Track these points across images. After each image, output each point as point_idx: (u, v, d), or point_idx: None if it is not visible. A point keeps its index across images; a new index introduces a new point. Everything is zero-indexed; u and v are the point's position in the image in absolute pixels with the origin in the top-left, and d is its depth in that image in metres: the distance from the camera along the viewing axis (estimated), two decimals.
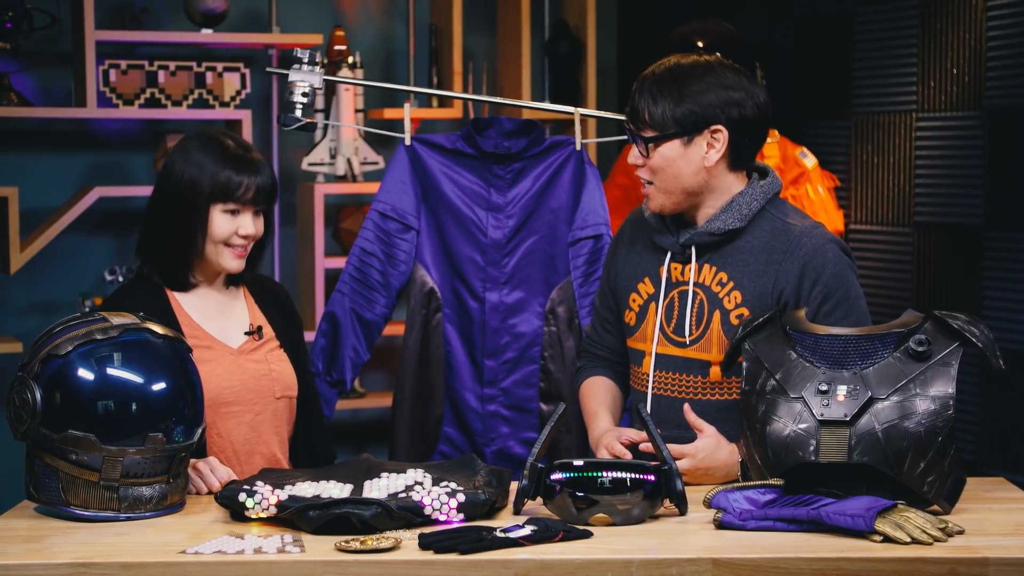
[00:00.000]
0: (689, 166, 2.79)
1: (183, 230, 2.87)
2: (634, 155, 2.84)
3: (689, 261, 2.85)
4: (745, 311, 2.79)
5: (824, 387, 2.50)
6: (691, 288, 2.84)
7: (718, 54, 4.27)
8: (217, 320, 2.95)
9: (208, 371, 2.85)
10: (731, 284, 2.82)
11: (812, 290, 2.78)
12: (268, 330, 3.00)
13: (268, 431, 2.95)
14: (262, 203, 2.91)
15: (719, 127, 2.78)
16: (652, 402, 2.87)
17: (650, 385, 2.88)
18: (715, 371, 2.82)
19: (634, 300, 2.93)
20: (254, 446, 2.93)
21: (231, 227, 2.88)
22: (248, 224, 2.90)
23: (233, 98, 4.66)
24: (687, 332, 2.84)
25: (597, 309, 3.09)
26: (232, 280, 3.00)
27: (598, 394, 3.03)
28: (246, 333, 2.96)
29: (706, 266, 2.85)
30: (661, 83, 2.79)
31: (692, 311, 2.84)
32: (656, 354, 2.88)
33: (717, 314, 2.82)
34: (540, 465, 2.50)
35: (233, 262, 2.91)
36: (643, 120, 2.80)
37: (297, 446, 3.03)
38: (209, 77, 4.63)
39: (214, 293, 2.97)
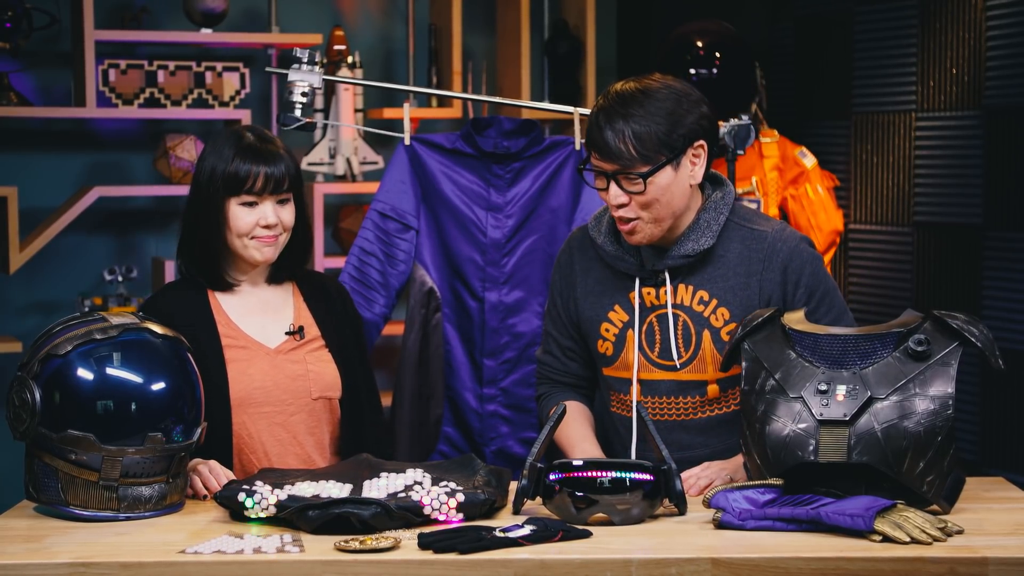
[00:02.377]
0: (679, 189, 2.73)
1: (207, 227, 2.85)
2: (617, 194, 2.70)
3: (663, 284, 2.80)
4: (736, 327, 2.76)
5: (823, 387, 2.50)
6: (670, 311, 2.81)
7: (717, 53, 4.29)
8: (258, 319, 2.91)
9: (240, 371, 2.84)
10: (715, 302, 2.79)
11: (796, 292, 2.78)
12: (313, 330, 2.94)
13: (302, 432, 2.90)
14: (280, 191, 2.86)
15: (701, 142, 2.73)
16: (640, 429, 2.81)
17: (635, 412, 2.82)
18: (713, 388, 2.81)
19: (607, 330, 2.87)
20: (287, 447, 2.88)
21: (251, 219, 2.84)
22: (269, 214, 2.84)
23: (232, 98, 4.66)
24: (675, 355, 2.80)
25: (555, 338, 2.99)
26: (277, 278, 2.96)
27: (577, 422, 2.93)
28: (287, 333, 2.92)
29: (681, 287, 2.80)
30: (634, 114, 2.68)
31: (677, 334, 2.81)
32: (641, 381, 2.83)
33: (707, 334, 2.79)
34: (540, 465, 2.50)
35: (260, 252, 2.86)
36: (628, 156, 2.67)
37: (345, 449, 2.96)
38: (208, 77, 4.63)
39: (257, 291, 2.93)
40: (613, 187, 2.71)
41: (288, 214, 2.88)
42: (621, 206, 2.72)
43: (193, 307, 2.86)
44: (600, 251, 2.86)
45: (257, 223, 2.84)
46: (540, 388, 3.05)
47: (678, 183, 2.72)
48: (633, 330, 2.83)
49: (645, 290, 2.82)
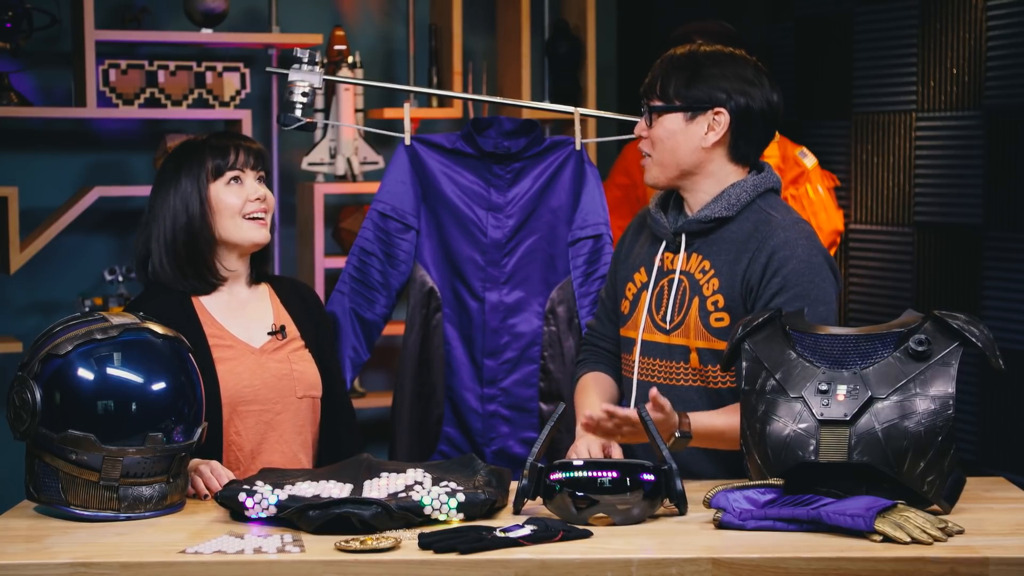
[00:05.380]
0: (687, 143, 2.85)
1: (191, 222, 2.88)
2: (640, 126, 2.92)
3: (679, 249, 2.88)
4: (720, 298, 2.82)
5: (824, 387, 2.50)
6: (677, 275, 2.87)
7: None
8: (240, 319, 2.94)
9: (228, 370, 2.86)
10: (712, 272, 2.85)
11: (771, 280, 2.79)
12: (292, 329, 2.99)
13: (289, 431, 2.93)
14: (259, 166, 2.93)
15: (721, 110, 2.83)
16: (637, 388, 2.91)
17: (635, 371, 2.92)
18: (693, 357, 2.84)
19: (629, 289, 2.98)
20: (273, 445, 2.91)
21: (239, 197, 2.90)
22: (254, 187, 2.92)
23: (233, 98, 4.66)
24: (669, 319, 2.88)
25: (603, 301, 3.12)
26: (255, 279, 3.00)
27: (594, 389, 3.03)
28: (269, 332, 2.95)
29: (694, 255, 2.88)
30: (679, 61, 2.88)
31: (676, 298, 2.87)
32: (642, 341, 2.92)
33: (696, 301, 2.85)
34: (540, 465, 2.50)
35: (257, 232, 2.92)
36: (654, 91, 2.88)
37: (323, 448, 3.01)
38: (209, 77, 4.63)
39: (236, 293, 2.97)
40: (643, 117, 2.91)
41: (269, 193, 2.95)
42: (640, 138, 2.91)
43: (176, 310, 2.88)
44: (649, 217, 2.98)
45: (246, 198, 2.90)
46: (581, 354, 3.17)
47: (686, 136, 2.86)
48: (647, 292, 2.92)
49: (666, 254, 2.92)
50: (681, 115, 2.85)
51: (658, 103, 2.87)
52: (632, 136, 3.09)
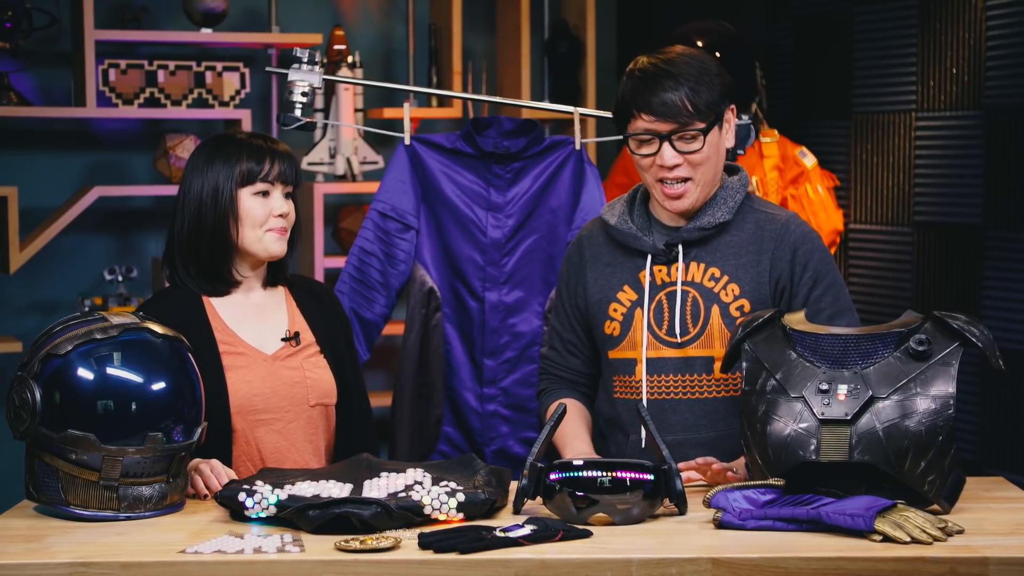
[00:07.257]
0: (722, 150, 2.83)
1: (216, 225, 2.84)
2: (673, 155, 2.76)
3: (674, 261, 2.84)
4: (745, 303, 2.80)
5: (825, 386, 2.50)
6: (679, 287, 2.84)
7: (717, 53, 4.30)
8: (253, 325, 2.91)
9: (239, 378, 2.84)
10: (726, 278, 2.82)
11: (803, 275, 2.82)
12: (308, 335, 2.94)
13: (300, 439, 2.90)
14: (290, 181, 2.89)
15: (732, 105, 2.83)
16: (648, 407, 2.82)
17: (644, 391, 2.84)
18: (718, 367, 2.81)
19: (615, 310, 2.88)
20: (285, 454, 2.88)
21: (264, 209, 2.86)
22: (281, 203, 2.87)
23: (232, 98, 4.66)
24: (679, 331, 2.83)
25: (557, 332, 3.01)
26: (271, 282, 2.97)
27: (571, 420, 2.92)
28: (283, 339, 2.92)
29: (693, 264, 2.84)
30: (684, 74, 2.74)
31: (686, 310, 2.83)
32: (647, 359, 2.85)
33: (715, 309, 2.81)
34: (540, 465, 2.50)
35: (276, 244, 2.88)
36: (687, 113, 2.73)
37: (338, 454, 2.96)
38: (209, 76, 4.63)
39: (252, 297, 2.93)
40: (667, 148, 2.76)
41: (292, 209, 2.90)
42: (675, 167, 2.77)
43: (188, 313, 2.86)
44: (613, 232, 2.89)
45: (271, 213, 2.87)
46: (541, 383, 3.07)
47: (721, 144, 2.82)
48: (642, 309, 2.85)
49: (656, 268, 2.85)
50: (716, 125, 2.78)
51: (702, 124, 2.74)
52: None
